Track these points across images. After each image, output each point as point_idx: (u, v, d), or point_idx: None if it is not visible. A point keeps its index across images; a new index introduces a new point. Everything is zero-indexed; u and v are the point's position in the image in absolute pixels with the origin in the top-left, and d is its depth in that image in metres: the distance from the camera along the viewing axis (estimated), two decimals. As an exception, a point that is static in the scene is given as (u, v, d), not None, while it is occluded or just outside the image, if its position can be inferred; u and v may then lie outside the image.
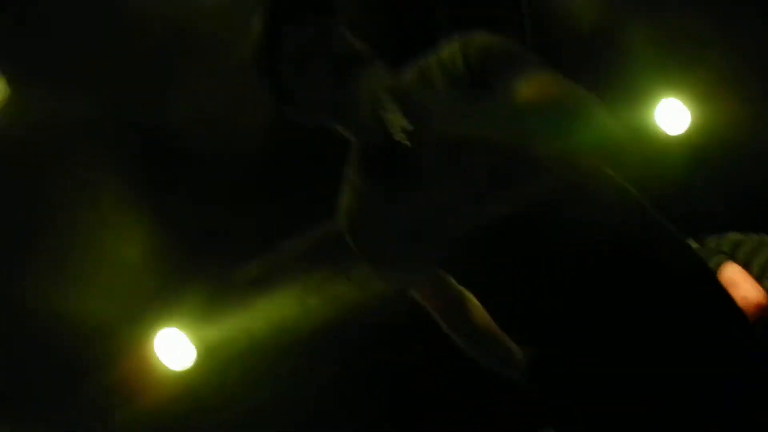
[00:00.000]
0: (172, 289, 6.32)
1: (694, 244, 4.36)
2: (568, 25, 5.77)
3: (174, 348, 6.47)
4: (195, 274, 6.31)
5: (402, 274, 2.24)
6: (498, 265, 2.07)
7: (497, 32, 2.21)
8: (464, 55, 2.14)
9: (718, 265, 4.07)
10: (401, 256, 2.19)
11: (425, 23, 5.50)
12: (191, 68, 4.96)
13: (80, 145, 4.83)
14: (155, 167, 5.44)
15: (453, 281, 2.23)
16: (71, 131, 4.77)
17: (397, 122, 2.05)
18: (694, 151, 6.69)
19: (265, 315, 6.78)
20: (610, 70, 5.98)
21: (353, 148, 2.27)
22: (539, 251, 2.02)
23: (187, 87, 5.06)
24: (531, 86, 2.01)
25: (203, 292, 6.58)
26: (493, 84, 2.07)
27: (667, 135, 6.75)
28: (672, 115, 6.71)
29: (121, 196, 5.41)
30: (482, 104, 2.05)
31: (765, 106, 6.07)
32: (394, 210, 2.16)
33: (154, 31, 4.66)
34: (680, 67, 6.42)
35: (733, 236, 4.21)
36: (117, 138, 5.09)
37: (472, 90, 2.09)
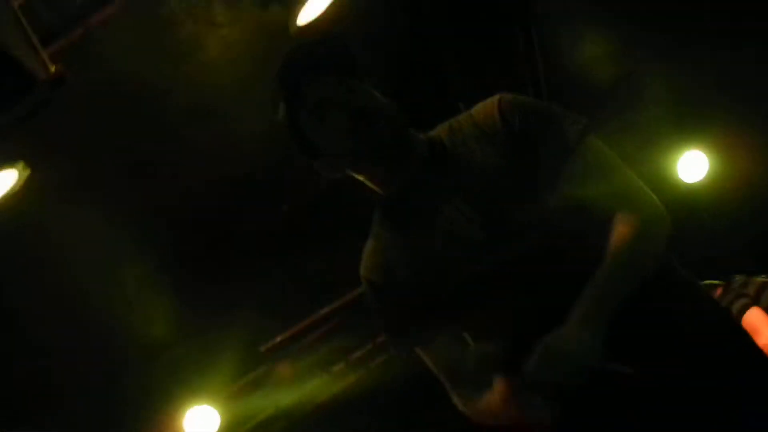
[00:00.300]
0: (201, 364, 6.35)
1: (719, 284, 4.36)
2: (589, 77, 5.85)
3: (203, 424, 6.47)
4: (223, 347, 6.33)
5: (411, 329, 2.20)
6: (513, 308, 2.08)
7: (510, 87, 2.28)
8: (501, 111, 2.18)
9: (743, 309, 4.06)
10: (413, 303, 2.17)
11: (438, 81, 5.59)
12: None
13: (100, 226, 4.89)
14: (179, 244, 5.50)
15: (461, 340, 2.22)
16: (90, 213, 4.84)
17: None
18: (713, 198, 6.76)
19: (292, 385, 6.81)
20: (631, 122, 6.07)
21: (378, 199, 2.30)
22: (554, 299, 2.02)
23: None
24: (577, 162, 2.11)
25: (231, 366, 6.60)
26: (537, 139, 2.13)
27: (687, 183, 6.86)
28: (691, 165, 6.83)
29: (146, 274, 5.46)
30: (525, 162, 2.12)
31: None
32: (410, 254, 2.17)
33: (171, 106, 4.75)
34: (698, 119, 6.51)
35: (760, 279, 4.20)
36: (140, 218, 5.16)
37: (511, 144, 2.14)
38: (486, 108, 2.23)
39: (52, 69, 3.31)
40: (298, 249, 6.05)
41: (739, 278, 4.28)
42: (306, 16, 4.44)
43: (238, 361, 6.60)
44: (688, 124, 6.61)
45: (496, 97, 2.22)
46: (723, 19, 5.68)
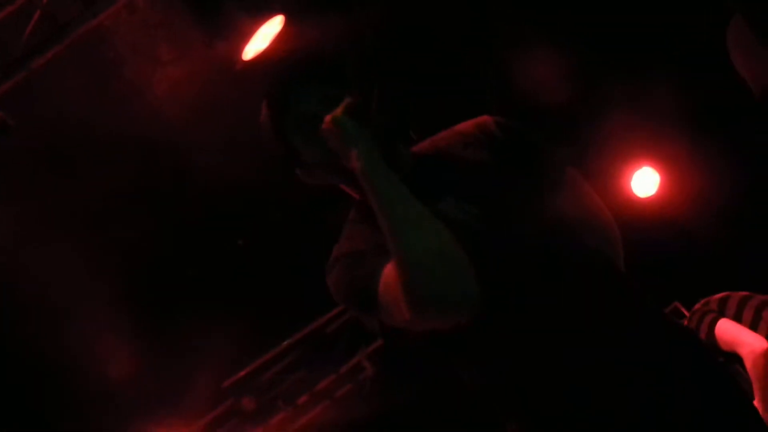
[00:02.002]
0: (164, 402, 6.30)
1: (683, 313, 4.40)
2: (543, 97, 5.95)
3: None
4: (185, 385, 6.29)
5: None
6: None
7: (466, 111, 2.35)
8: (496, 124, 2.27)
9: (712, 323, 4.09)
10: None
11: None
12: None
13: (54, 267, 4.86)
14: (135, 284, 5.48)
15: None
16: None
17: None
18: (664, 211, 6.93)
19: (257, 420, 6.77)
20: (586, 140, 6.20)
21: (355, 202, 2.29)
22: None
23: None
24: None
25: (194, 404, 6.55)
26: (529, 155, 2.24)
27: (638, 198, 7.03)
28: (644, 181, 7.01)
29: (104, 316, 5.42)
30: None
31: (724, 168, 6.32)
32: None
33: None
34: (650, 137, 6.67)
35: (717, 296, 4.24)
36: (95, 259, 5.12)
37: (504, 152, 2.22)
38: (476, 121, 2.30)
39: (-6, 117, 3.27)
40: (257, 282, 6.04)
41: (698, 304, 4.33)
42: (251, 50, 4.45)
43: (200, 397, 6.54)
44: (641, 142, 6.76)
45: (486, 116, 2.30)
46: (675, 41, 5.80)
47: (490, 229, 2.11)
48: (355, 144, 2.04)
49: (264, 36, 4.46)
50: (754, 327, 4.05)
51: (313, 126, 2.14)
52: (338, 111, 2.07)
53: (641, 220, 6.81)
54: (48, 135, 4.43)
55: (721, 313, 4.13)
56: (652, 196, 7.06)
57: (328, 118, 2.08)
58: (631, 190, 7.06)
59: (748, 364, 3.99)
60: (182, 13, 4.40)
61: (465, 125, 2.32)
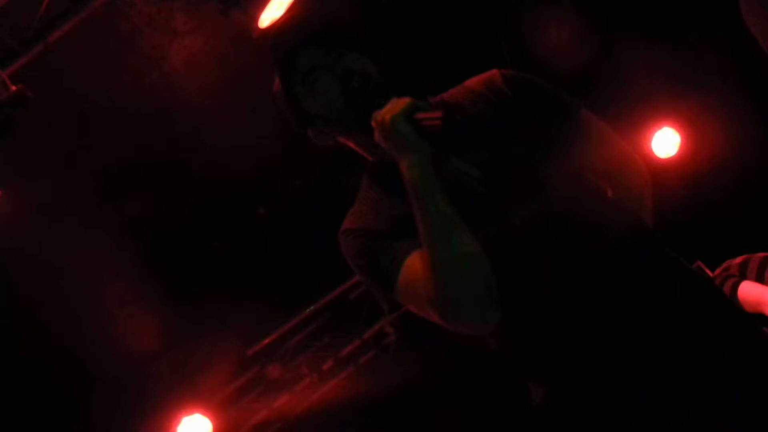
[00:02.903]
0: (189, 372, 6.36)
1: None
2: (560, 59, 5.92)
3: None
4: (210, 354, 6.34)
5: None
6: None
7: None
8: (503, 78, 2.24)
9: (734, 287, 4.09)
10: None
11: (407, 77, 5.61)
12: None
13: (78, 242, 4.89)
14: (158, 255, 5.51)
15: None
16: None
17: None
18: (684, 172, 6.89)
19: (283, 386, 6.82)
20: (604, 101, 6.17)
21: (367, 165, 2.31)
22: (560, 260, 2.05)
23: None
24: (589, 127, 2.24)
25: (220, 372, 6.60)
26: (539, 107, 2.21)
27: (659, 158, 7.01)
28: (664, 141, 6.99)
29: (128, 287, 5.46)
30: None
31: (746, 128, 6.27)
32: (406, 210, 2.11)
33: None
34: (670, 98, 6.62)
35: (737, 260, 4.23)
36: (117, 232, 5.15)
37: (512, 107, 2.19)
38: (484, 77, 2.28)
39: (13, 88, 3.29)
40: (278, 250, 6.06)
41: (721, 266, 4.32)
42: (267, 18, 4.44)
43: (226, 366, 6.60)
44: (660, 102, 6.71)
45: (494, 70, 2.28)
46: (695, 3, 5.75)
47: (491, 193, 2.09)
48: (408, 150, 2.02)
49: (279, 3, 4.44)
50: None
51: (316, 78, 2.18)
52: (397, 108, 2.03)
53: (661, 180, 6.79)
54: (66, 107, 4.44)
55: (743, 276, 4.12)
56: (672, 156, 7.02)
57: (387, 116, 2.03)
58: (651, 150, 7.03)
59: (775, 321, 4.00)
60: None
61: (473, 81, 2.30)
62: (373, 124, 2.07)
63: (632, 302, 2.01)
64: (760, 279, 4.09)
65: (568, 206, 2.09)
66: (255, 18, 4.40)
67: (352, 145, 2.30)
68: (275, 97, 2.31)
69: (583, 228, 2.07)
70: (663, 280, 2.05)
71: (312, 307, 6.81)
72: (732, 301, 4.12)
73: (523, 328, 2.08)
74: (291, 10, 4.42)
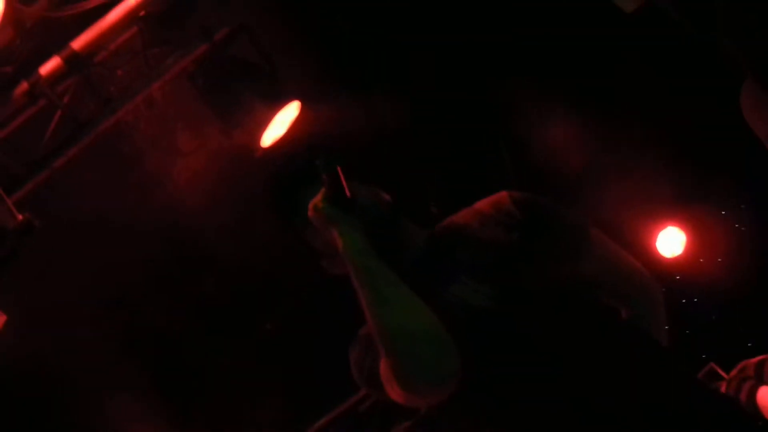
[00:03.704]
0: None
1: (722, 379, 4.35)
2: (565, 158, 5.98)
3: None
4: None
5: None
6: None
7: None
8: (513, 200, 2.27)
9: (751, 391, 4.04)
10: None
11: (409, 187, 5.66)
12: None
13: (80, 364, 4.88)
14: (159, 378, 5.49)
15: None
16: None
17: None
18: (691, 271, 6.89)
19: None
20: (608, 200, 6.22)
21: None
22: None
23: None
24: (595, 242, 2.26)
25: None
26: (547, 228, 2.24)
27: (665, 258, 7.01)
28: (669, 241, 6.99)
29: (130, 412, 5.42)
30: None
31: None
32: None
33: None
34: (674, 197, 6.67)
35: (754, 360, 4.18)
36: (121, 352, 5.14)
37: (521, 228, 2.22)
38: (493, 199, 2.31)
39: (20, 218, 3.32)
40: (287, 363, 6.02)
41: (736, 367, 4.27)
42: (269, 137, 4.50)
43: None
44: (665, 201, 6.76)
45: (503, 192, 2.32)
46: (695, 101, 5.84)
47: (502, 310, 2.10)
48: (334, 225, 2.12)
49: (281, 122, 4.50)
50: None
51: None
52: (318, 198, 2.16)
53: (668, 280, 6.77)
54: (72, 228, 4.47)
55: (759, 379, 4.07)
56: (678, 255, 7.01)
57: (310, 206, 2.16)
58: (656, 250, 7.02)
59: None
60: (199, 105, 4.46)
61: (482, 203, 2.33)
62: (309, 214, 2.15)
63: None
64: (775, 382, 4.04)
65: (579, 329, 2.09)
66: (257, 137, 4.46)
67: None
68: (283, 232, 2.37)
69: (593, 358, 2.06)
70: (679, 408, 2.04)
71: (321, 421, 6.71)
72: (747, 410, 4.07)
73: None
74: (293, 129, 4.49)
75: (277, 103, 4.43)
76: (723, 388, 4.22)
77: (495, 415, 2.12)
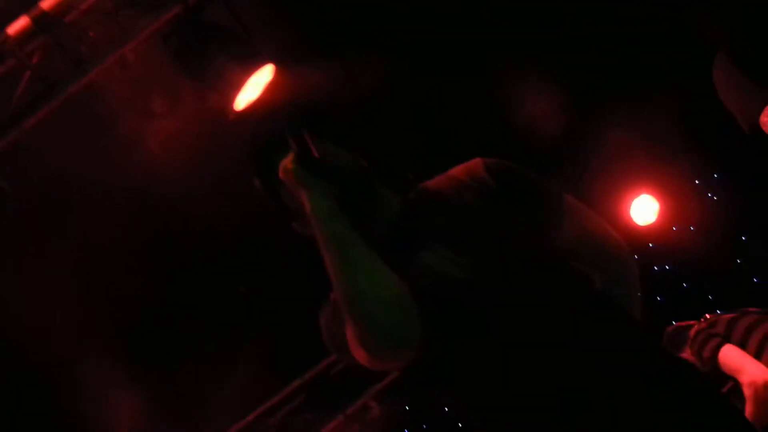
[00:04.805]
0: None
1: (688, 325, 4.40)
2: (539, 127, 5.99)
3: None
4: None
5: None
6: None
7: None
8: (486, 168, 2.27)
9: (716, 349, 4.08)
10: None
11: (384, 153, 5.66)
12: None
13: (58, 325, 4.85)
14: (134, 338, 5.47)
15: None
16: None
17: None
18: (664, 239, 6.94)
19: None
20: (583, 168, 6.24)
21: None
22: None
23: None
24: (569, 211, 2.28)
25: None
26: (522, 195, 2.25)
27: (638, 225, 7.05)
28: (643, 209, 7.03)
29: (104, 370, 5.41)
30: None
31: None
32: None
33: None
34: (648, 165, 6.71)
35: (727, 316, 4.22)
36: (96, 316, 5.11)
37: (495, 196, 2.23)
38: (468, 166, 2.31)
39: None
40: (259, 328, 6.02)
41: (708, 318, 4.31)
42: (243, 100, 4.46)
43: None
44: (639, 169, 6.78)
45: (477, 159, 2.31)
46: (672, 69, 5.84)
47: (474, 279, 2.10)
48: (302, 187, 2.13)
49: (255, 85, 4.47)
50: (758, 356, 4.04)
51: None
52: (287, 159, 2.16)
53: (641, 248, 6.82)
54: (42, 193, 4.43)
55: (727, 338, 4.11)
56: (651, 223, 7.06)
57: (280, 167, 2.16)
58: (630, 218, 7.06)
59: (748, 392, 3.98)
60: (173, 67, 4.41)
61: (457, 170, 2.32)
62: (280, 175, 2.16)
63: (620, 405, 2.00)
64: (743, 344, 4.08)
65: (552, 298, 2.09)
66: (231, 100, 4.42)
67: None
68: (260, 193, 2.35)
69: (565, 326, 2.07)
70: (647, 380, 2.04)
71: (294, 384, 6.74)
72: (710, 366, 4.12)
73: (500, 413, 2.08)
74: (267, 92, 4.45)
75: (251, 66, 4.40)
76: (692, 333, 4.27)
77: (463, 384, 2.12)
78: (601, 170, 6.51)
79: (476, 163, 2.30)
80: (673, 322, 4.41)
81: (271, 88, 4.57)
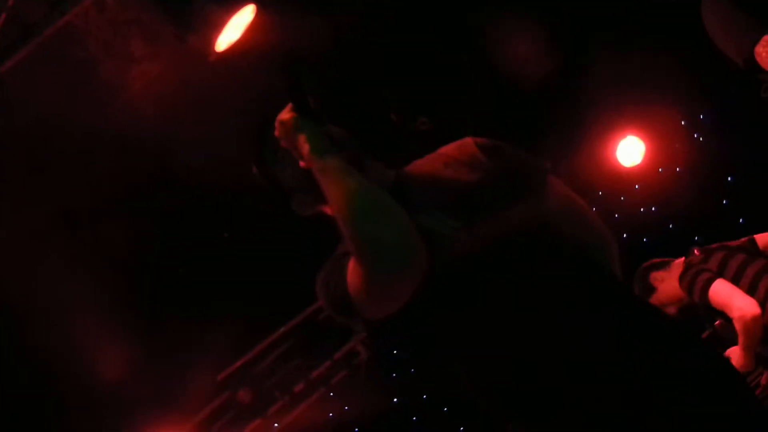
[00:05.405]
0: (161, 400, 6.28)
1: (669, 260, 4.43)
2: (527, 68, 5.95)
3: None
4: (181, 380, 6.28)
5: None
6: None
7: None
8: (477, 145, 2.34)
9: (707, 283, 4.11)
10: None
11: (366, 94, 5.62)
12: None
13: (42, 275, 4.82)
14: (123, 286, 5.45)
15: None
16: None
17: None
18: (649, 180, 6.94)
19: (255, 410, 6.77)
20: (571, 112, 6.22)
21: None
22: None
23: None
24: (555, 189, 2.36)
25: (191, 398, 6.54)
26: (511, 172, 2.31)
27: (624, 167, 7.04)
28: (629, 150, 7.01)
29: (96, 320, 5.39)
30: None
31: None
32: None
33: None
34: (638, 108, 6.68)
35: (720, 254, 4.25)
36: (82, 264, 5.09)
37: (486, 170, 2.29)
38: (458, 143, 2.39)
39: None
40: (246, 274, 6.01)
41: (697, 253, 4.33)
42: (224, 41, 4.40)
43: (197, 392, 6.53)
44: (627, 111, 6.76)
45: (468, 138, 2.39)
46: (658, 12, 5.79)
47: (470, 237, 2.15)
48: (301, 131, 2.15)
49: (236, 26, 4.40)
50: (751, 292, 4.07)
51: (288, 158, 2.24)
52: (283, 112, 2.21)
53: (627, 189, 6.83)
54: (24, 139, 4.37)
55: (719, 274, 4.14)
56: (637, 165, 7.05)
57: (276, 122, 2.20)
58: (616, 159, 7.06)
59: (738, 326, 4.03)
60: (152, 9, 4.34)
61: (447, 147, 2.40)
62: (276, 133, 2.20)
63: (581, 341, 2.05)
64: (736, 280, 4.11)
65: (540, 266, 2.16)
66: (211, 41, 4.35)
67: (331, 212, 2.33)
68: (255, 174, 2.38)
69: (556, 295, 2.12)
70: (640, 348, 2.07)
71: (281, 329, 6.75)
72: (699, 301, 4.15)
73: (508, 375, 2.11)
74: (248, 33, 4.39)
75: (232, 6, 4.32)
76: (680, 269, 4.30)
77: (453, 338, 2.17)
78: (586, 113, 6.50)
79: (466, 141, 2.37)
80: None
81: (252, 30, 4.50)
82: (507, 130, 6.49)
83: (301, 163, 2.18)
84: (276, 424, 6.85)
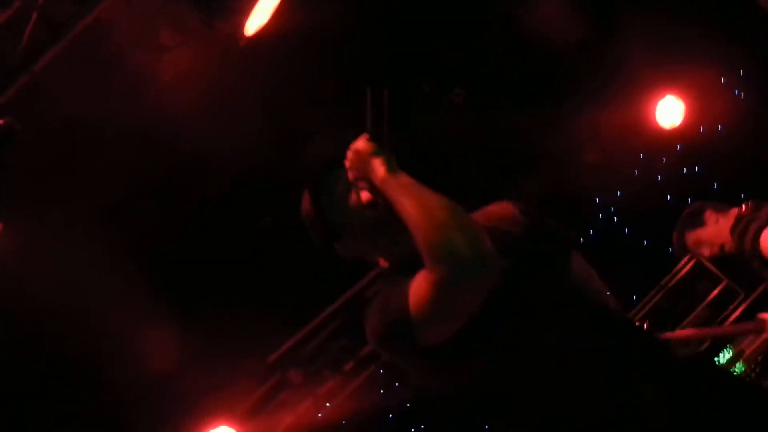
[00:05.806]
0: (212, 385, 6.34)
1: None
2: (564, 29, 5.90)
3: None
4: (232, 364, 6.33)
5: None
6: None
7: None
8: (517, 207, 2.52)
9: (758, 232, 4.12)
10: None
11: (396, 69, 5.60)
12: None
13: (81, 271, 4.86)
14: (166, 276, 5.49)
15: None
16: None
17: None
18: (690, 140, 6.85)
19: (306, 390, 6.81)
20: (608, 76, 6.15)
21: (385, 271, 2.49)
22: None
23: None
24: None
25: (242, 382, 6.59)
26: (546, 228, 2.51)
27: (663, 128, 6.95)
28: (668, 110, 6.91)
29: (142, 310, 5.43)
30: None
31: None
32: None
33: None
34: (676, 67, 6.57)
35: None
36: (120, 257, 5.12)
37: (529, 229, 2.47)
38: (501, 205, 2.56)
39: (0, 122, 3.26)
40: (290, 256, 6.02)
41: (749, 204, 4.32)
42: (252, 26, 4.40)
43: (248, 376, 6.58)
44: (665, 71, 6.67)
45: (508, 202, 2.57)
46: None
47: (520, 273, 2.30)
48: (379, 156, 2.28)
49: (263, 10, 4.39)
50: None
51: (345, 190, 2.36)
52: (359, 140, 2.33)
53: (668, 150, 6.73)
54: (57, 135, 4.41)
55: None
56: (677, 125, 6.94)
57: (349, 151, 2.33)
58: (656, 121, 6.96)
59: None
60: (179, -1, 4.35)
61: (490, 207, 2.55)
62: (348, 161, 2.32)
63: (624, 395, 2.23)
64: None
65: (575, 315, 2.34)
66: (240, 27, 4.35)
67: (376, 253, 2.46)
68: (302, 216, 2.51)
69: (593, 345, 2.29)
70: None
71: (328, 309, 6.77)
72: (750, 249, 4.13)
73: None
74: (276, 16, 4.38)
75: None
76: (733, 219, 4.29)
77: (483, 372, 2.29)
78: (623, 75, 6.41)
79: (507, 203, 2.56)
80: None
81: (280, 13, 4.50)
82: (543, 98, 6.47)
83: (364, 195, 2.31)
84: (328, 404, 6.89)
